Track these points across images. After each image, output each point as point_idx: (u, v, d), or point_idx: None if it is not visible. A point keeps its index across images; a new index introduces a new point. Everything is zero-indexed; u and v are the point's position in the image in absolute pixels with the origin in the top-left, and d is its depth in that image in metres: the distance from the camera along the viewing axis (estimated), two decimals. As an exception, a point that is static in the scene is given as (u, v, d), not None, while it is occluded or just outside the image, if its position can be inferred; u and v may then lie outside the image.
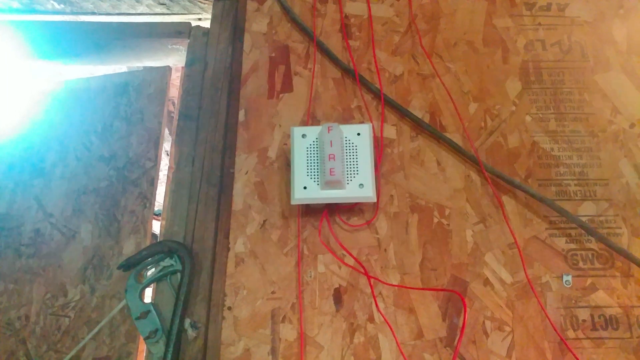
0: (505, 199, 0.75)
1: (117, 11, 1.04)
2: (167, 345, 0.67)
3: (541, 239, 0.73)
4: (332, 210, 0.75)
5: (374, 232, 0.74)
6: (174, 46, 0.94)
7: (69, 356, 0.73)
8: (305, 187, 0.69)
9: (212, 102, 0.84)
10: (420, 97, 0.83)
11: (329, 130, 0.70)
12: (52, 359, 0.75)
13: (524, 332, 0.68)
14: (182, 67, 0.91)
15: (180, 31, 0.92)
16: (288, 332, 0.69)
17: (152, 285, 0.75)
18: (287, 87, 0.85)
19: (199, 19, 1.05)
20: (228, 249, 0.75)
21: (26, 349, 0.77)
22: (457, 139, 0.79)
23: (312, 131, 0.73)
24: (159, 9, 1.02)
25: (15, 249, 0.85)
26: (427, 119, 0.81)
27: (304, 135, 0.72)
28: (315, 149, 0.72)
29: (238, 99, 0.84)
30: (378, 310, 0.70)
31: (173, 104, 1.31)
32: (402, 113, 0.81)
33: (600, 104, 0.81)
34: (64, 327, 0.77)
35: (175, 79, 1.18)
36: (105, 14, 1.05)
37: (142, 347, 0.74)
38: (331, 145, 0.69)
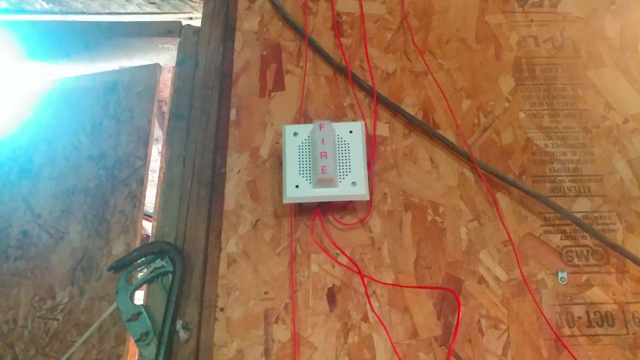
0: (499, 195, 0.75)
1: (106, 10, 1.03)
2: (158, 348, 0.66)
3: (536, 236, 0.73)
4: (325, 209, 0.75)
5: (368, 230, 0.74)
6: (164, 45, 0.94)
7: (58, 360, 0.72)
8: (297, 186, 0.69)
9: (203, 101, 0.83)
10: (412, 95, 0.82)
11: (320, 128, 0.69)
12: (41, 363, 0.74)
13: (519, 329, 0.67)
14: (173, 67, 0.90)
15: (171, 30, 0.91)
16: (281, 333, 0.68)
17: (143, 287, 0.74)
18: (279, 85, 0.84)
19: (190, 18, 1.05)
20: (220, 250, 0.74)
21: (14, 353, 0.75)
22: (450, 136, 0.78)
23: (304, 129, 0.72)
24: (149, 8, 1.02)
25: (2, 251, 0.84)
26: (420, 116, 0.80)
27: (295, 134, 0.72)
28: (307, 147, 0.71)
29: (229, 97, 0.84)
30: (372, 309, 0.69)
31: (165, 104, 1.30)
32: (395, 110, 0.80)
33: (594, 100, 0.81)
34: (52, 331, 0.76)
35: (167, 79, 1.17)
36: (95, 13, 1.04)
37: (133, 349, 0.72)
38: (323, 143, 0.68)
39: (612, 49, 0.84)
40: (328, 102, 0.82)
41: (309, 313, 0.69)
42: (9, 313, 0.78)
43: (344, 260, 0.72)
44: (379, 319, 0.68)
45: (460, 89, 0.82)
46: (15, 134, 0.94)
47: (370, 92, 0.81)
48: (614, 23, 0.86)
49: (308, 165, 0.70)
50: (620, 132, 0.79)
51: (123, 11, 1.03)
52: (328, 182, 0.68)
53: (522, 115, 0.80)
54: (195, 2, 1.00)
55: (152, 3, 1.00)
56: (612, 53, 0.84)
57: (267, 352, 0.67)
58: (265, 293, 0.71)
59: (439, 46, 0.85)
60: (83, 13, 1.04)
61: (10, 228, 0.85)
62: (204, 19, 0.91)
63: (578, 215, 0.73)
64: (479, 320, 0.68)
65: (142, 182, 0.83)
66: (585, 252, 0.72)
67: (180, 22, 0.92)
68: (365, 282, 0.70)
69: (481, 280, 0.70)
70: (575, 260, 0.71)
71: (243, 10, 0.90)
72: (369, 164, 0.75)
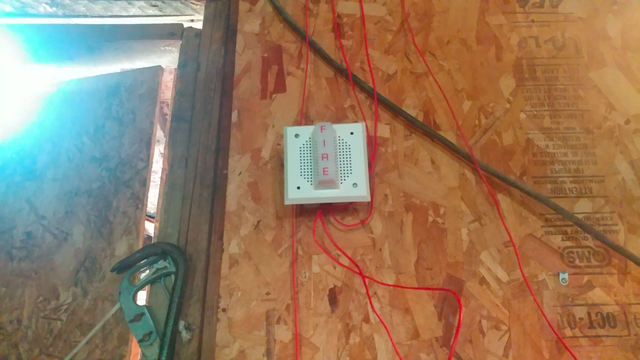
0: (500, 196, 0.75)
1: (109, 13, 1.04)
2: (161, 348, 0.67)
3: (537, 237, 0.73)
4: (326, 210, 0.75)
5: (369, 231, 0.74)
6: (166, 48, 0.94)
7: (62, 360, 0.73)
8: (298, 187, 0.69)
9: (205, 103, 0.84)
10: (413, 96, 0.82)
11: (322, 129, 0.70)
12: (45, 363, 0.75)
13: (520, 331, 0.67)
14: (175, 69, 0.91)
15: (173, 32, 0.92)
16: (283, 334, 0.69)
17: (145, 287, 0.74)
18: (280, 87, 0.84)
19: (192, 20, 1.05)
20: (222, 250, 0.74)
21: (18, 353, 0.76)
22: (451, 137, 0.79)
23: (305, 131, 0.72)
24: (151, 11, 1.02)
25: (7, 252, 0.84)
26: (420, 118, 0.80)
27: (297, 135, 0.72)
28: (309, 149, 0.71)
29: (231, 99, 0.84)
30: (373, 310, 0.69)
31: (167, 106, 1.30)
32: (396, 112, 0.80)
33: (595, 101, 0.81)
34: (56, 331, 0.76)
35: (169, 81, 1.18)
36: (98, 16, 1.05)
37: (135, 350, 0.73)
38: (324, 145, 0.69)
39: (614, 49, 0.84)
40: (329, 104, 0.82)
41: (310, 314, 0.69)
42: (14, 313, 0.79)
43: (345, 261, 0.72)
44: (380, 319, 0.68)
45: (461, 90, 0.82)
46: (20, 136, 0.95)
47: (371, 93, 0.81)
48: (615, 23, 0.86)
49: (309, 167, 0.70)
50: (622, 132, 0.79)
51: (125, 14, 1.04)
52: (329, 184, 0.68)
53: (523, 116, 0.80)
54: (196, 5, 1.00)
55: (154, 6, 1.00)
56: (613, 53, 0.84)
57: (268, 352, 0.68)
58: (267, 294, 0.71)
59: (440, 47, 0.85)
60: (86, 16, 1.05)
61: (14, 229, 0.86)
62: (205, 21, 0.91)
63: (579, 216, 0.73)
64: (480, 321, 0.68)
65: (144, 184, 0.83)
66: (586, 253, 0.72)
67: (181, 25, 0.93)
68: (367, 283, 0.70)
69: (482, 281, 0.70)
70: (577, 262, 0.71)
71: (244, 12, 0.90)
72: (370, 165, 0.76)
